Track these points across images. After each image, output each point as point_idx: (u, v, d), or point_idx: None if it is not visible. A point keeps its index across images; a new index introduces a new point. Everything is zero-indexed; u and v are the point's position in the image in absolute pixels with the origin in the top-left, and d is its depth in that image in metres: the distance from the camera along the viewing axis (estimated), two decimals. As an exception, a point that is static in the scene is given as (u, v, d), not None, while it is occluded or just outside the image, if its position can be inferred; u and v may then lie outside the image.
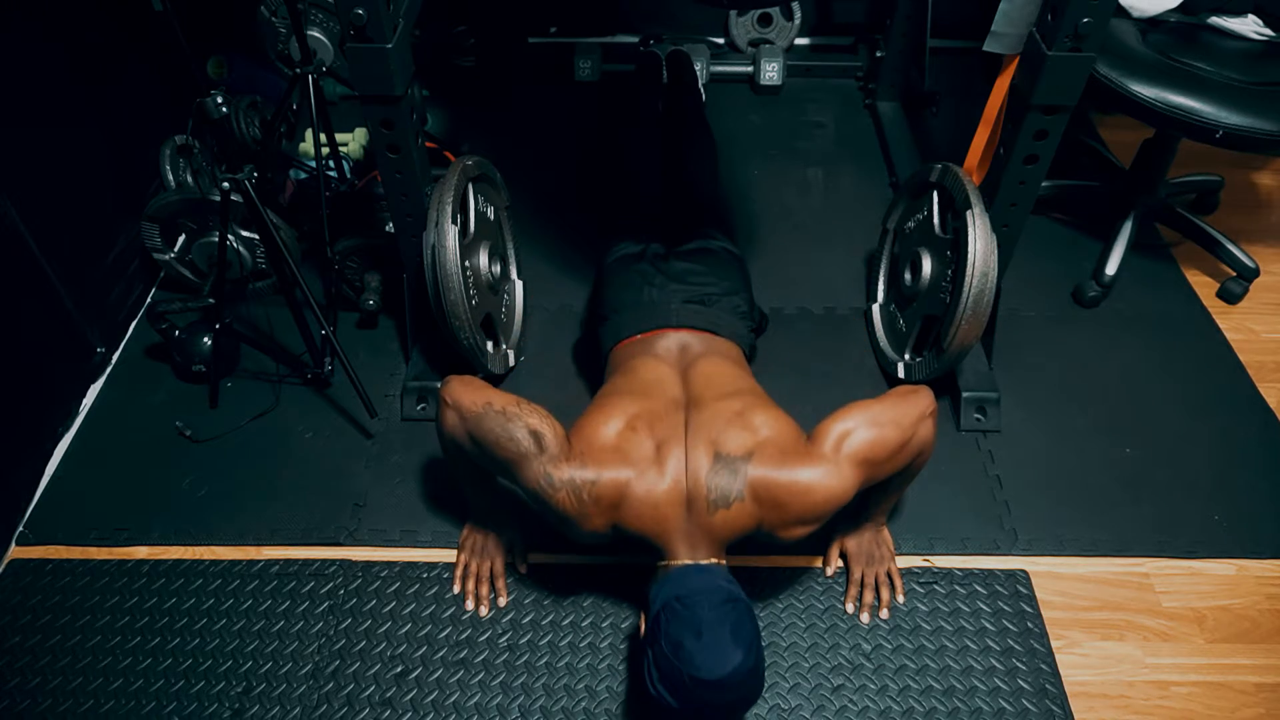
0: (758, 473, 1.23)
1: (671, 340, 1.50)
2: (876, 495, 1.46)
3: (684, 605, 1.13)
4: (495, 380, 1.82)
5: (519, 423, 1.25)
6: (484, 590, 1.50)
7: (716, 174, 1.97)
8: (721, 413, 1.30)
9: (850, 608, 1.50)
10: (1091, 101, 2.23)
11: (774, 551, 1.56)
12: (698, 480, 1.23)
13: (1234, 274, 2.04)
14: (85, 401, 1.81)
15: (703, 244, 1.69)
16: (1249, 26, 1.87)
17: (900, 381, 1.79)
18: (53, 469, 1.70)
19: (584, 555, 1.56)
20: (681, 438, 1.28)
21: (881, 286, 1.95)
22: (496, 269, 1.73)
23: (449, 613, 1.50)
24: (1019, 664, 1.43)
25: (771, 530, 1.25)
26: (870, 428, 1.26)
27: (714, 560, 1.25)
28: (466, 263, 1.58)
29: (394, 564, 1.56)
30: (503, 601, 1.50)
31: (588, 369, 1.84)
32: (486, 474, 1.41)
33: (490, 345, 1.75)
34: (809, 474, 1.22)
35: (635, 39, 2.67)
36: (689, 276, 1.59)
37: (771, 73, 2.60)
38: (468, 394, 1.30)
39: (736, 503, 1.22)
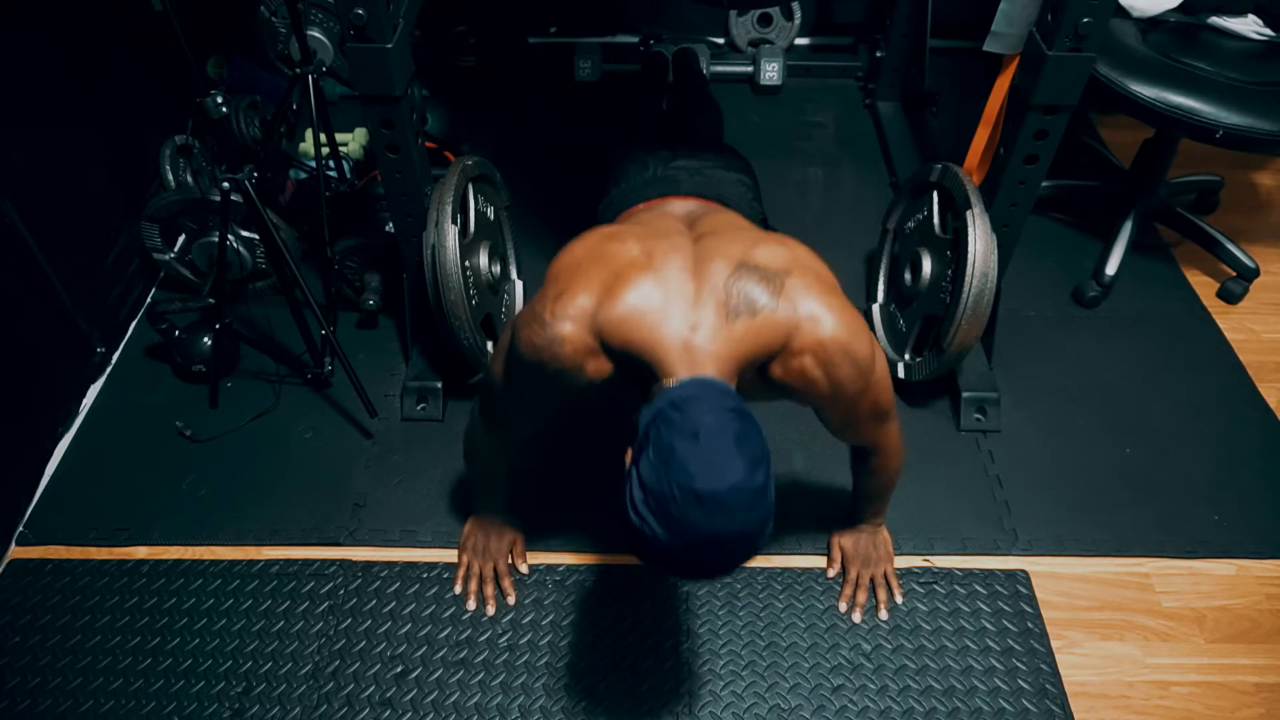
0: (800, 288, 1.06)
1: (678, 207, 1.37)
2: (869, 498, 1.45)
3: (680, 410, 0.92)
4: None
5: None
6: (488, 590, 1.50)
7: (721, 133, 1.91)
8: (744, 236, 1.14)
9: (843, 607, 1.50)
10: (1091, 101, 2.23)
11: (774, 552, 1.56)
12: (714, 286, 1.05)
13: (1234, 274, 2.04)
14: (85, 401, 1.81)
15: (708, 149, 1.60)
16: (1249, 26, 1.87)
17: (901, 382, 1.79)
18: (53, 469, 1.70)
19: (584, 556, 1.56)
20: (684, 249, 1.11)
21: (881, 286, 1.95)
22: (496, 269, 1.73)
23: (449, 613, 1.50)
24: (1019, 664, 1.43)
25: (795, 375, 1.07)
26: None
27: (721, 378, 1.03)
28: (466, 263, 1.59)
29: (394, 564, 1.56)
30: (511, 600, 1.50)
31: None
32: (499, 466, 1.39)
33: (490, 345, 1.75)
34: (855, 317, 1.08)
35: (635, 39, 2.67)
36: (698, 156, 1.50)
37: (771, 73, 2.60)
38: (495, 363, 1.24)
39: (766, 313, 1.03)
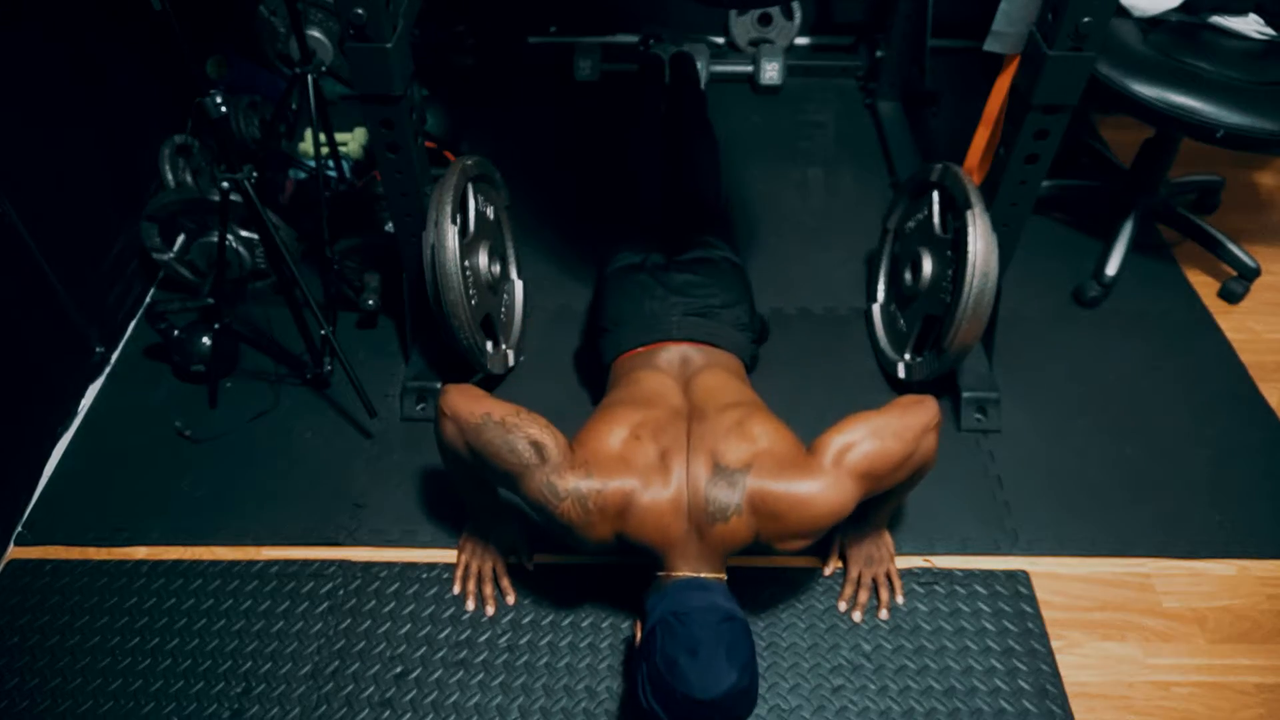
0: (756, 484, 1.21)
1: (673, 353, 1.49)
2: (876, 503, 1.45)
3: (680, 622, 1.12)
4: (495, 380, 1.82)
5: (519, 433, 1.24)
6: (487, 590, 1.50)
7: (719, 179, 1.96)
8: (721, 423, 1.28)
9: (843, 606, 1.50)
10: (1092, 101, 2.23)
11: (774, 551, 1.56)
12: (698, 491, 1.22)
13: (1235, 274, 2.04)
14: (84, 401, 1.81)
15: (703, 253, 1.68)
16: (1250, 26, 1.87)
17: (900, 381, 1.79)
18: (52, 469, 1.70)
19: (585, 556, 1.56)
20: (684, 447, 1.27)
21: (882, 286, 1.95)
22: (496, 269, 1.72)
23: (449, 613, 1.50)
24: (1019, 664, 1.43)
25: (769, 541, 1.23)
26: (872, 440, 1.24)
27: (713, 575, 1.24)
28: (466, 263, 1.58)
29: (394, 564, 1.56)
30: (510, 599, 1.50)
31: (588, 374, 1.84)
32: (486, 482, 1.41)
33: (490, 345, 1.75)
34: (807, 486, 1.21)
35: (635, 39, 2.67)
36: (690, 289, 1.58)
37: (771, 73, 2.60)
38: (465, 404, 1.29)
39: (735, 515, 1.21)
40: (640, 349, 1.51)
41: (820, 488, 1.21)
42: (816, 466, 1.22)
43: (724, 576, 1.26)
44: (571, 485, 1.21)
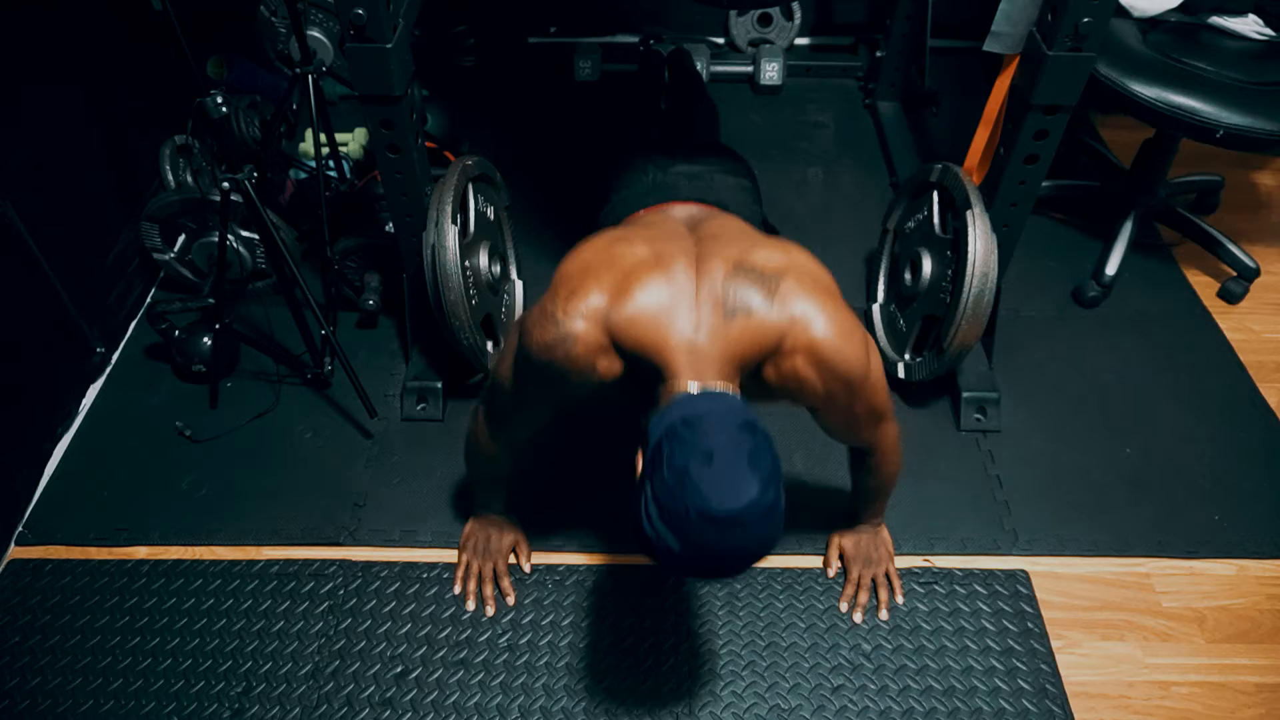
0: (794, 290, 1.07)
1: (679, 212, 1.36)
2: (867, 487, 1.44)
3: (692, 428, 0.94)
4: (495, 380, 1.82)
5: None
6: (487, 590, 1.50)
7: (718, 132, 1.92)
8: (743, 239, 1.15)
9: (844, 607, 1.50)
10: (1092, 101, 2.23)
11: (774, 551, 1.56)
12: (713, 287, 1.07)
13: (1234, 274, 2.04)
14: (85, 401, 1.81)
15: (707, 152, 1.59)
16: (1249, 26, 1.87)
17: (901, 381, 1.79)
18: (52, 469, 1.70)
19: (585, 556, 1.56)
20: (688, 250, 1.13)
21: (881, 286, 1.95)
22: (496, 269, 1.72)
23: (449, 613, 1.50)
24: (1019, 664, 1.43)
25: (788, 377, 1.09)
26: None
27: (725, 385, 1.05)
28: (466, 263, 1.58)
29: (394, 564, 1.56)
30: (510, 600, 1.50)
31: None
32: (501, 467, 1.39)
33: (490, 345, 1.75)
34: (850, 319, 1.09)
35: (635, 39, 2.67)
36: (696, 160, 1.49)
37: (771, 73, 2.60)
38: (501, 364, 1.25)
39: (761, 313, 1.05)
40: (644, 210, 1.38)
41: (859, 328, 1.10)
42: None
43: (737, 390, 1.07)
44: (563, 310, 1.08)
